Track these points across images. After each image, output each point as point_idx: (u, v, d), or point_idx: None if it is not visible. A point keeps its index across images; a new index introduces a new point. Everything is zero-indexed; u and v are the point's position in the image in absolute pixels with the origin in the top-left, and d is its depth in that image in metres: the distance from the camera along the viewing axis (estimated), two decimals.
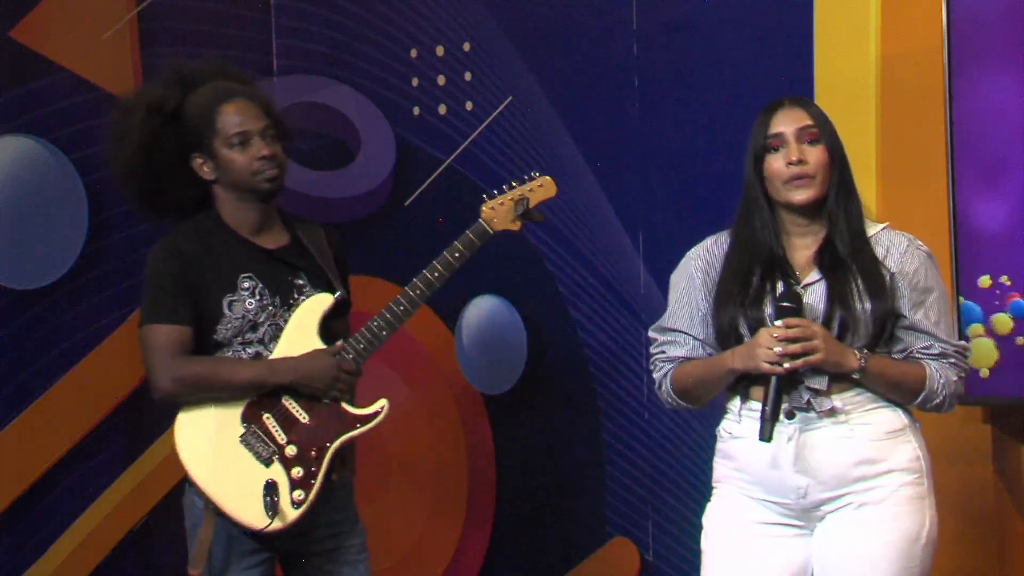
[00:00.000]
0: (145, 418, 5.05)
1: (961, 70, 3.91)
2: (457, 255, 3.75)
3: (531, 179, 3.84)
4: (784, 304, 3.14)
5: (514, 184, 3.84)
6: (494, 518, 5.12)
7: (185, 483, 3.72)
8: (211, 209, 3.75)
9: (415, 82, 5.23)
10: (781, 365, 3.09)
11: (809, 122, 3.22)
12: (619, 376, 4.78)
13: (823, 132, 3.23)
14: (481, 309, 5.08)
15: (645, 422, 4.71)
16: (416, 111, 5.23)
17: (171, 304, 3.65)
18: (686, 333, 3.30)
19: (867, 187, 4.01)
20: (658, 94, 4.66)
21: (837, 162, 3.23)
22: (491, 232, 3.79)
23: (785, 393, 3.13)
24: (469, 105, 5.09)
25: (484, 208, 3.80)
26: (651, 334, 3.38)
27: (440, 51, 5.16)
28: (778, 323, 3.12)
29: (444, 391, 5.19)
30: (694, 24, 4.58)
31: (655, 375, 3.35)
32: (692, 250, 3.37)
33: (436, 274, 3.74)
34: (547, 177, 3.86)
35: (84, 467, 5.00)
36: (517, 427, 5.06)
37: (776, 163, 3.21)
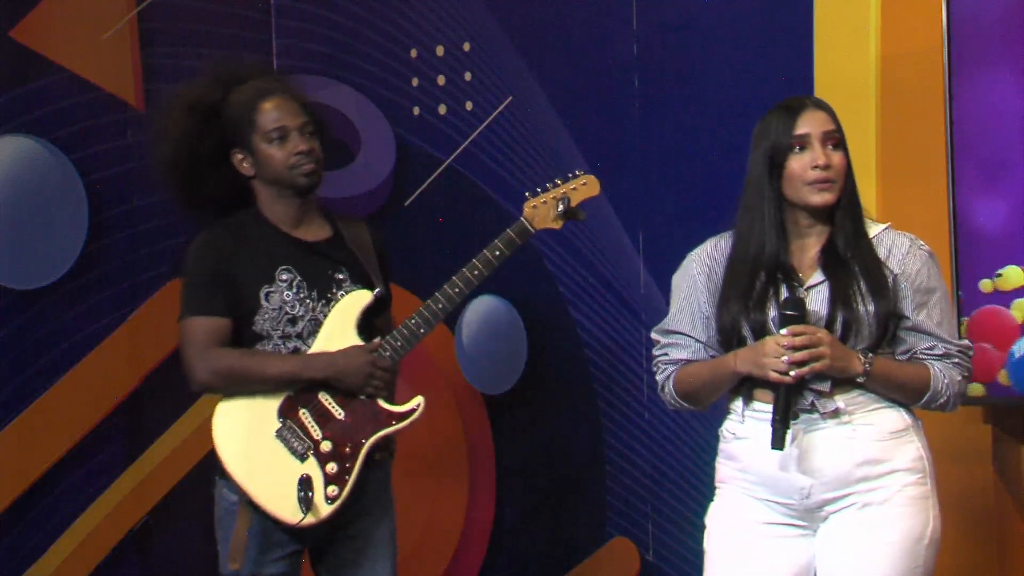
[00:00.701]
0: (145, 418, 5.05)
1: (961, 70, 3.91)
2: (497, 253, 3.77)
3: (574, 177, 3.84)
4: (788, 312, 3.13)
5: (557, 182, 3.83)
6: (494, 518, 5.12)
7: (214, 474, 3.74)
8: (251, 206, 3.80)
9: (415, 82, 5.23)
10: (789, 374, 3.10)
11: (833, 127, 3.22)
12: (619, 376, 4.78)
13: (843, 137, 3.24)
14: (481, 309, 5.08)
15: (645, 422, 4.71)
16: (416, 111, 5.23)
17: (205, 297, 3.69)
18: (688, 335, 3.30)
19: (867, 187, 4.01)
20: (658, 94, 4.66)
21: (850, 167, 3.24)
22: (533, 231, 3.80)
23: (791, 398, 3.14)
24: (469, 105, 5.09)
25: (526, 206, 3.82)
26: (653, 336, 3.38)
27: (440, 51, 5.16)
28: (783, 332, 3.12)
29: (444, 391, 5.19)
30: (694, 24, 4.58)
31: (658, 377, 3.35)
32: (693, 252, 3.36)
33: (476, 272, 3.76)
34: (591, 176, 3.85)
35: (84, 467, 5.00)
36: (517, 427, 5.06)
37: (799, 163, 3.21)
